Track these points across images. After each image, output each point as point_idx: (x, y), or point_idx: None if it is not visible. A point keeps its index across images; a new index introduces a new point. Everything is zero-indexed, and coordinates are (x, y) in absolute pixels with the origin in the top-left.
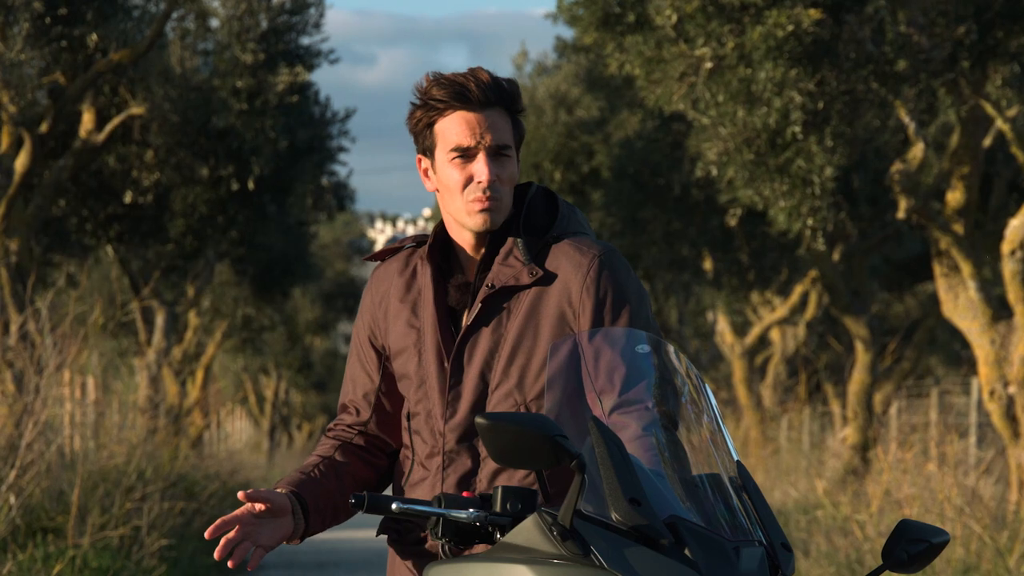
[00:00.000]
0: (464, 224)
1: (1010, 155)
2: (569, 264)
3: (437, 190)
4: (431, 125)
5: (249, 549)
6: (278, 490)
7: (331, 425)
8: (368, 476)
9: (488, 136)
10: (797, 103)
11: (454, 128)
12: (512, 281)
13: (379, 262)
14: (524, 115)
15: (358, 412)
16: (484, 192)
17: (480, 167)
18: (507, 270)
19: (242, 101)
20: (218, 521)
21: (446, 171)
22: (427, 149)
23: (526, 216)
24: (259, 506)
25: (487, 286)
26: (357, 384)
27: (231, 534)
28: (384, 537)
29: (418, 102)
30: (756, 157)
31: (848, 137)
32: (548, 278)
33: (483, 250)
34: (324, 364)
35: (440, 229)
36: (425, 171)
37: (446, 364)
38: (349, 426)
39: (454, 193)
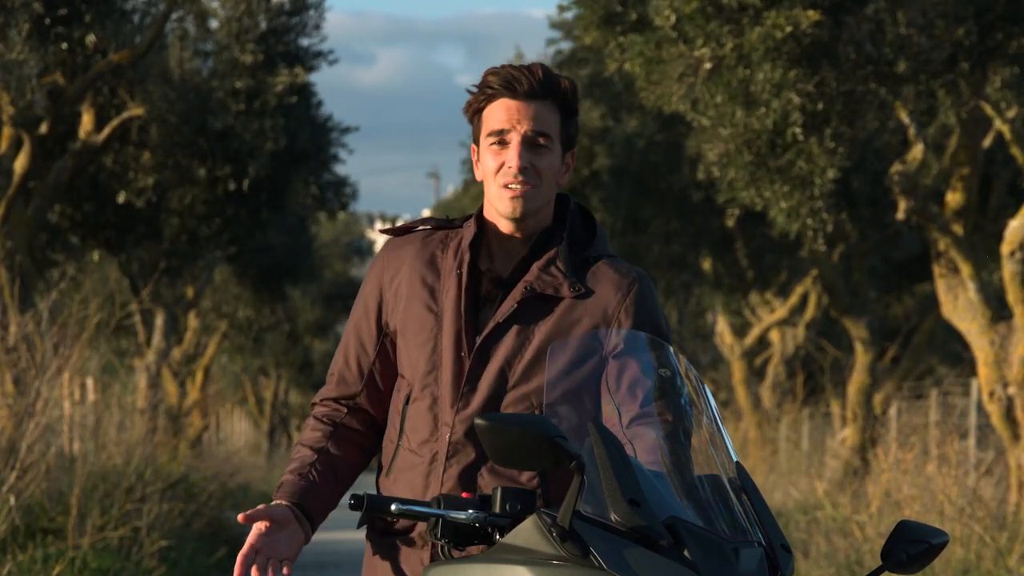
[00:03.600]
0: (498, 210)
1: (1009, 156)
2: (609, 284)
3: (483, 179)
4: (480, 111)
5: (277, 567)
6: (277, 501)
7: (317, 399)
8: (360, 461)
9: (525, 124)
10: (796, 104)
11: (494, 113)
12: (551, 291)
13: (391, 236)
14: (578, 116)
15: (347, 383)
16: (516, 177)
17: (512, 153)
18: (548, 278)
19: (240, 102)
20: (239, 558)
21: (485, 157)
22: (476, 136)
23: (569, 229)
24: (263, 524)
25: (525, 288)
26: (351, 355)
27: (254, 571)
28: (364, 530)
29: (475, 88)
30: (756, 159)
31: (848, 138)
32: (586, 294)
33: (522, 246)
34: (324, 365)
35: (479, 217)
36: (476, 160)
37: (463, 355)
38: (337, 400)
39: (489, 178)
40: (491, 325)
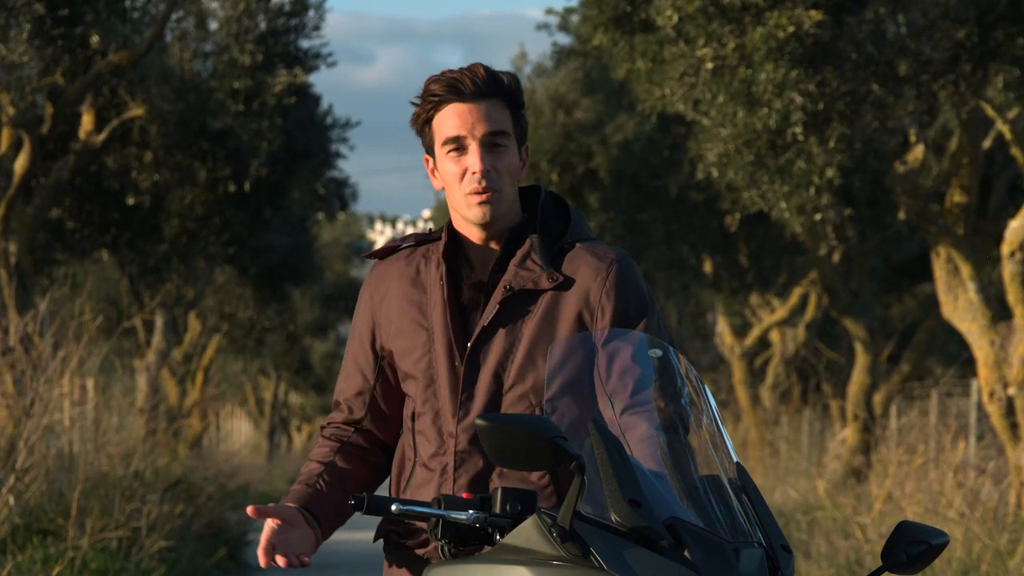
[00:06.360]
0: (466, 217)
1: (1010, 157)
2: (587, 268)
3: (443, 188)
4: (429, 121)
5: (292, 560)
6: (288, 503)
7: (325, 423)
8: (368, 477)
9: (481, 126)
10: (798, 104)
11: (447, 120)
12: (531, 285)
13: (377, 260)
14: (524, 109)
15: (351, 410)
16: (480, 183)
17: (473, 158)
18: (525, 273)
19: (239, 102)
20: (260, 551)
21: (444, 165)
22: (429, 146)
23: (540, 220)
24: (275, 522)
25: (504, 288)
26: (351, 382)
27: (279, 558)
28: (381, 541)
29: (418, 100)
30: (756, 159)
31: (848, 138)
32: (566, 283)
33: (496, 248)
34: (323, 365)
35: (450, 227)
36: (432, 170)
37: (457, 364)
38: (343, 423)
39: (453, 187)
40: (478, 330)
